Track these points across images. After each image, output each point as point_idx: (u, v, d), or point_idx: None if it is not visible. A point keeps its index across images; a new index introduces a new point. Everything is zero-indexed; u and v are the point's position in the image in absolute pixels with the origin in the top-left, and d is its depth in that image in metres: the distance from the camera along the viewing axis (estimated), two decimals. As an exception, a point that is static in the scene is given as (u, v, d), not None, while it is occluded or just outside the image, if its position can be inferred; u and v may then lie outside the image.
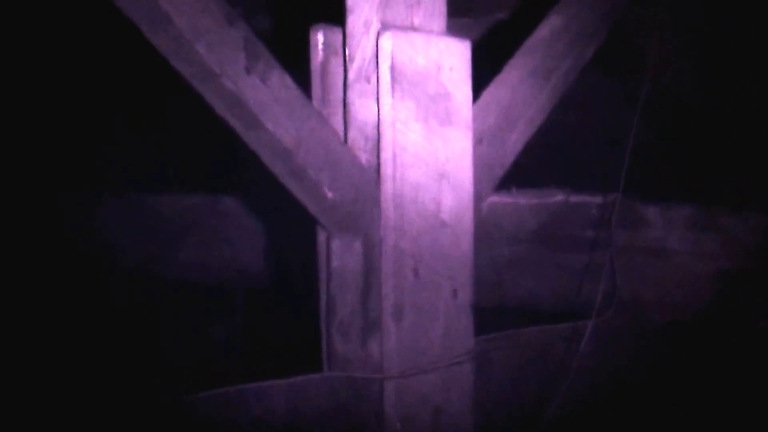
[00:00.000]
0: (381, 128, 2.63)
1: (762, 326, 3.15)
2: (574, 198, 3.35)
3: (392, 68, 2.60)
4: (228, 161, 3.76)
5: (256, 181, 3.10)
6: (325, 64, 2.73)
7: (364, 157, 2.67)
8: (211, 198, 4.10)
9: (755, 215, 3.16)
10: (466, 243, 2.77)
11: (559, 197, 3.37)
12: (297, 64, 2.75)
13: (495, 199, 3.40)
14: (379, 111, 2.63)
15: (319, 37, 2.73)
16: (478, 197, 2.82)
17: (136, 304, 4.22)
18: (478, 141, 2.80)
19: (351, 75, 2.68)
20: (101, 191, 4.34)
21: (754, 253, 3.14)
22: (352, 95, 2.68)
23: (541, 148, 4.15)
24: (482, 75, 2.94)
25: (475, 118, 2.78)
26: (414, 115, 2.64)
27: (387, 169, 2.63)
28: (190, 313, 4.31)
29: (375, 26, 2.64)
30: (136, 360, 4.15)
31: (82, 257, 4.18)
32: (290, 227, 3.49)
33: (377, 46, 2.62)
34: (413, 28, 2.68)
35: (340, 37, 2.71)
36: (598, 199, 3.30)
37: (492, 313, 3.19)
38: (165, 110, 4.33)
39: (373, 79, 2.64)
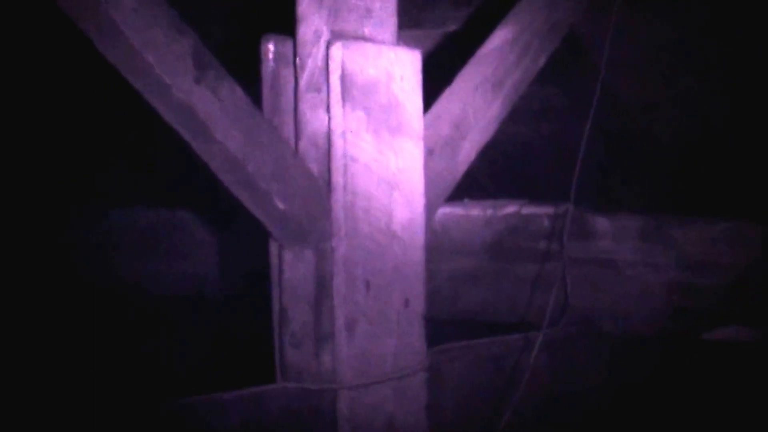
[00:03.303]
0: (332, 138, 2.67)
1: (706, 339, 3.21)
2: (527, 209, 3.40)
3: (342, 78, 2.65)
4: (185, 174, 3.78)
5: (213, 194, 3.13)
6: (275, 75, 2.78)
7: (315, 168, 2.71)
8: (169, 212, 4.13)
9: (703, 226, 3.23)
10: (418, 254, 2.82)
11: (511, 208, 3.42)
12: (250, 75, 2.80)
13: (447, 210, 3.44)
14: (329, 121, 2.68)
15: (269, 47, 2.77)
16: (430, 208, 2.87)
17: (92, 317, 4.23)
18: (429, 152, 2.85)
19: (302, 85, 2.72)
20: (63, 207, 4.36)
21: (701, 265, 3.20)
22: (303, 105, 2.72)
23: (494, 159, 4.22)
24: (435, 87, 2.99)
25: (427, 128, 2.84)
26: (365, 126, 2.69)
27: (338, 180, 2.67)
28: (146, 326, 4.32)
29: (325, 36, 2.69)
30: (91, 372, 4.15)
31: (41, 271, 4.18)
32: (246, 239, 3.53)
33: (328, 55, 2.67)
34: (364, 38, 2.73)
35: (290, 47, 2.75)
36: (549, 210, 3.35)
37: (445, 324, 3.24)
38: (123, 124, 4.36)
39: (324, 89, 2.69)
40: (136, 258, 4.19)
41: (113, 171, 4.64)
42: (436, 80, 3.00)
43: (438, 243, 3.39)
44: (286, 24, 2.77)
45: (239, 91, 2.59)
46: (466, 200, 3.51)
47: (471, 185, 3.99)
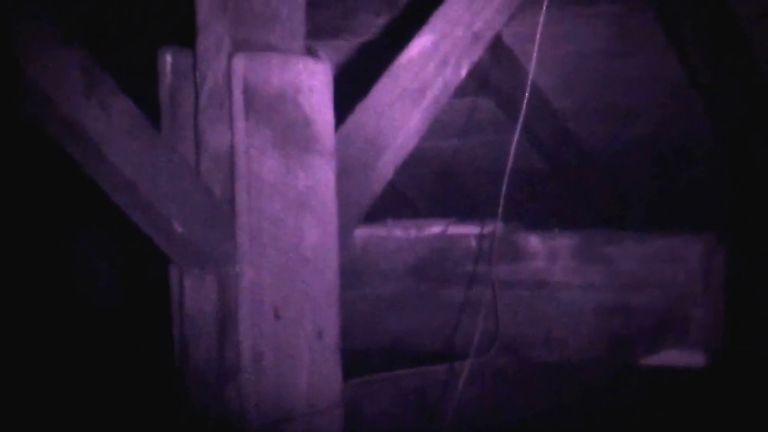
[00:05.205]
0: (235, 156, 2.55)
1: (643, 364, 3.11)
2: (453, 229, 3.29)
3: (246, 91, 2.53)
4: (83, 197, 3.65)
5: (111, 216, 3.00)
6: (174, 89, 2.65)
7: (217, 188, 2.58)
8: (68, 236, 4.00)
9: (639, 243, 3.13)
10: (332, 280, 2.70)
11: (436, 229, 3.31)
12: (151, 91, 2.68)
13: (368, 232, 3.33)
14: (232, 138, 2.55)
15: (167, 60, 2.65)
16: (344, 230, 2.75)
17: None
18: (342, 170, 2.73)
19: (202, 100, 2.59)
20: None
21: (638, 285, 3.11)
22: (204, 121, 2.59)
23: (423, 174, 4.13)
24: (351, 99, 2.88)
25: (339, 145, 2.71)
26: (271, 142, 2.57)
27: (242, 201, 2.55)
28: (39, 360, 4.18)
29: (227, 46, 2.56)
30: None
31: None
32: (148, 265, 3.40)
33: (229, 67, 2.54)
34: (270, 49, 2.60)
35: (190, 58, 2.63)
36: (477, 230, 3.24)
37: (366, 354, 3.13)
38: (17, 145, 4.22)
39: (226, 104, 2.56)
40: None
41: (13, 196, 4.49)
42: (355, 92, 2.89)
43: (358, 267, 3.27)
44: (185, 34, 2.65)
45: (132, 107, 2.45)
46: (388, 221, 3.40)
47: (398, 202, 3.89)
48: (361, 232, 3.26)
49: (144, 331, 3.79)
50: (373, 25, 3.63)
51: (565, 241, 3.21)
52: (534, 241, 3.22)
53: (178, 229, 2.52)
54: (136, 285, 3.92)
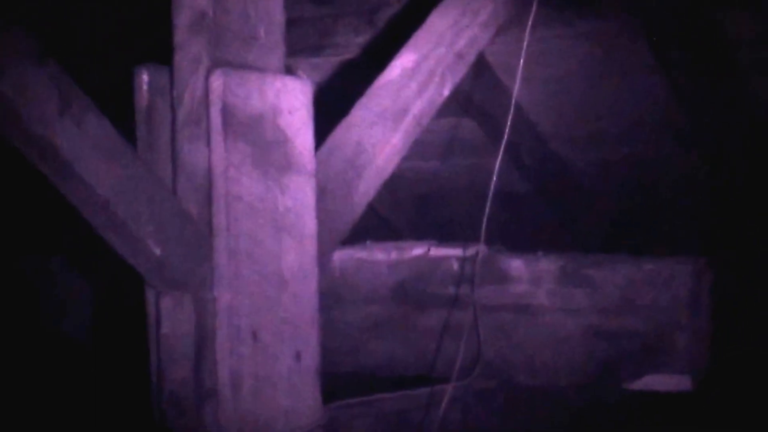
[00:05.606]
0: (213, 176, 2.51)
1: (628, 388, 3.08)
2: (435, 252, 3.25)
3: (224, 110, 2.49)
4: (57, 218, 3.61)
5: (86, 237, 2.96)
6: (151, 107, 2.62)
7: (194, 209, 2.54)
8: (41, 259, 3.95)
9: (626, 266, 3.10)
10: (311, 302, 2.66)
11: (418, 251, 3.27)
12: (128, 110, 2.64)
13: (348, 254, 3.29)
14: (210, 158, 2.51)
15: (144, 78, 2.62)
16: (324, 252, 2.71)
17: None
18: (322, 190, 2.70)
19: (179, 119, 2.56)
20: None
21: (624, 309, 3.07)
22: (182, 141, 2.56)
23: (403, 196, 4.09)
24: (332, 118, 2.85)
25: (319, 165, 2.68)
26: (249, 162, 2.53)
27: (220, 222, 2.51)
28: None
29: (205, 64, 2.53)
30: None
31: None
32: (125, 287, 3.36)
33: (207, 86, 2.51)
34: (248, 67, 2.57)
35: (167, 77, 2.60)
36: (459, 253, 3.20)
37: (346, 378, 3.09)
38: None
39: (204, 124, 2.53)
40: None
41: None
42: (336, 111, 2.86)
43: (337, 290, 3.23)
44: (163, 52, 2.62)
45: (108, 126, 2.42)
46: (368, 242, 3.36)
47: (379, 224, 3.86)
48: (341, 254, 3.22)
49: (119, 358, 3.75)
50: (352, 43, 3.61)
51: (548, 265, 3.17)
52: (517, 264, 3.18)
53: (155, 251, 2.48)
54: (110, 308, 3.87)
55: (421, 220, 4.19)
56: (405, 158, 2.94)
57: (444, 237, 3.47)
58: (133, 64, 2.67)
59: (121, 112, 2.57)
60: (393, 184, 2.97)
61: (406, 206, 4.09)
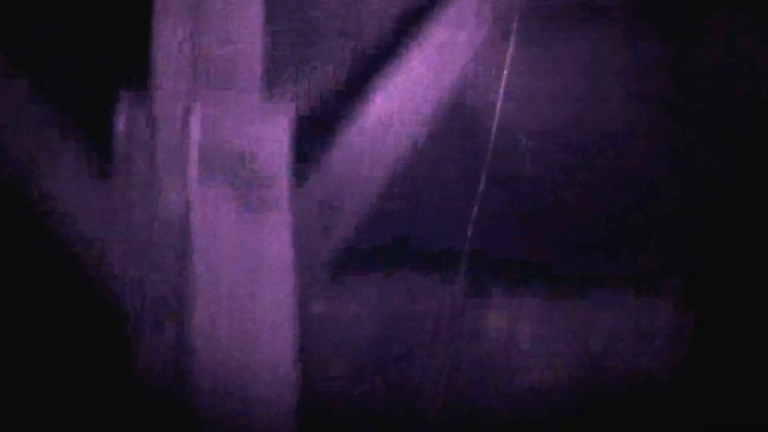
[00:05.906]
0: (190, 212, 2.52)
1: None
2: (418, 287, 3.21)
3: (201, 148, 2.50)
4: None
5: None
6: (129, 138, 2.61)
7: (172, 242, 2.55)
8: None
9: (611, 294, 3.09)
10: (288, 341, 2.64)
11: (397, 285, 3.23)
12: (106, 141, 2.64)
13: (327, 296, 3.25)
14: (187, 194, 2.51)
15: (122, 107, 2.61)
16: (303, 290, 2.70)
17: None
18: (300, 228, 2.68)
19: (158, 154, 2.56)
20: None
21: (605, 345, 3.06)
22: (159, 177, 2.55)
23: (380, 226, 4.06)
24: (314, 149, 2.84)
25: (298, 203, 2.67)
26: (226, 199, 2.52)
27: (197, 257, 2.53)
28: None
29: (183, 102, 2.53)
30: None
31: None
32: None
33: (185, 123, 2.51)
34: (228, 98, 2.57)
35: (146, 107, 2.60)
36: (439, 285, 3.16)
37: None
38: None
39: (181, 160, 2.52)
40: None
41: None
42: (315, 142, 2.85)
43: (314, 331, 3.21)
44: (142, 82, 2.61)
45: (84, 155, 2.43)
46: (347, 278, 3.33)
47: (357, 260, 3.83)
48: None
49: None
50: (335, 71, 3.60)
51: (530, 297, 3.15)
52: (498, 295, 3.15)
53: (131, 282, 2.49)
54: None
55: (401, 251, 4.17)
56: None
57: (424, 268, 3.42)
58: (113, 91, 2.68)
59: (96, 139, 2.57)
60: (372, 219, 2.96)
61: (387, 238, 4.06)
